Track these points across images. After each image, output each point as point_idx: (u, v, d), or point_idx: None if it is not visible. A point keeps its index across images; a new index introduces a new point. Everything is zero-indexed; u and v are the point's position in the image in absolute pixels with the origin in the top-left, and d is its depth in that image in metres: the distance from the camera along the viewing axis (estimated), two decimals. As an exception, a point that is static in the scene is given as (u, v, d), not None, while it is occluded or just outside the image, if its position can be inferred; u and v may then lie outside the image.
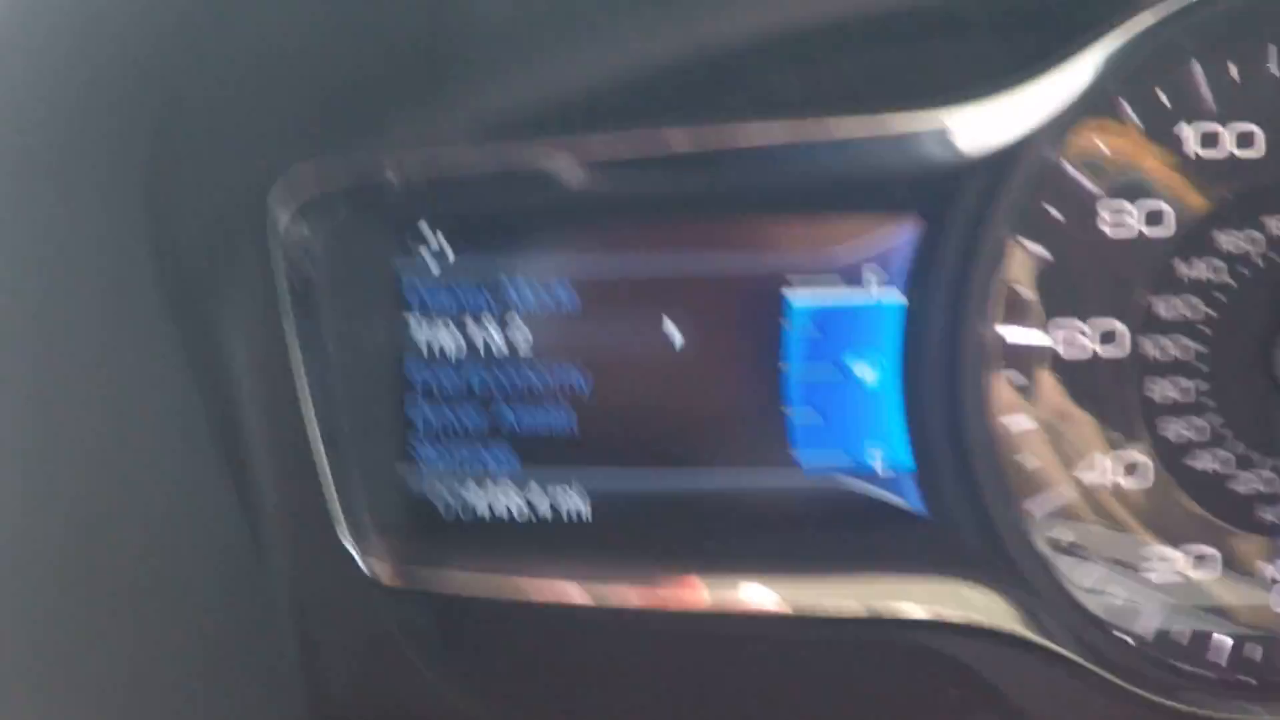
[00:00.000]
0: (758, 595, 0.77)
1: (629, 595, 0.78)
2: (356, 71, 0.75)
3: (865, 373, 0.76)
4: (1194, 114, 0.71)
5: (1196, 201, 0.72)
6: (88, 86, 0.63)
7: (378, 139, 0.76)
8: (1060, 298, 0.73)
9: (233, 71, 0.72)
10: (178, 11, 0.65)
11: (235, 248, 0.77)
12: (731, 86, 0.73)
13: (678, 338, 0.78)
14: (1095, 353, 0.73)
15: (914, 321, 0.75)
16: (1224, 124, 0.71)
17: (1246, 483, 0.73)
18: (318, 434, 0.77)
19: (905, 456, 0.77)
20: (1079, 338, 0.73)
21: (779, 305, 0.77)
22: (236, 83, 0.73)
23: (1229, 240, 0.72)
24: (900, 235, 0.75)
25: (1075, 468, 0.74)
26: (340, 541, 0.78)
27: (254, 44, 0.72)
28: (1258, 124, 0.71)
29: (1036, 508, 0.74)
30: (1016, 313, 0.73)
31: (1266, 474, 0.73)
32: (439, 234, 0.79)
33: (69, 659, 0.65)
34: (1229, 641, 0.74)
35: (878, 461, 0.77)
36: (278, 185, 0.75)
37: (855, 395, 0.77)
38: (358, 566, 0.79)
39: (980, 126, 0.71)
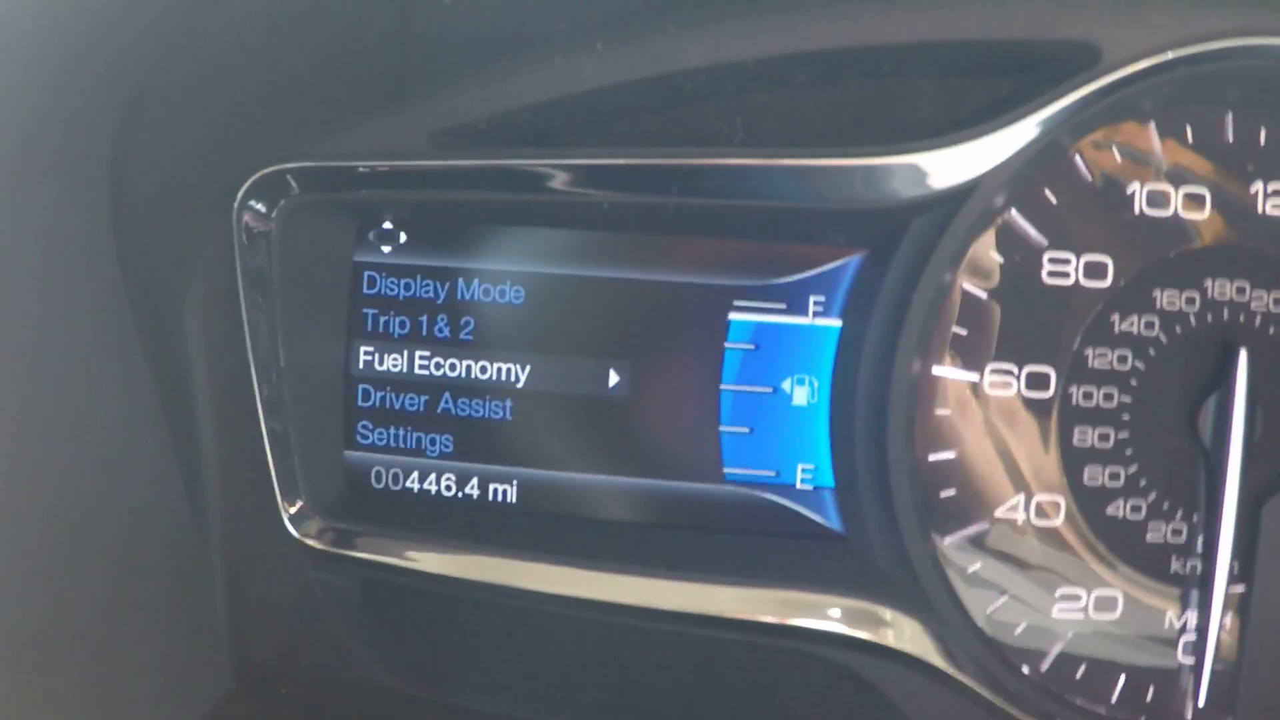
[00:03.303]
0: (668, 594, 0.78)
1: (547, 580, 0.79)
2: (324, 78, 0.75)
3: (798, 393, 0.78)
4: (1145, 173, 0.72)
5: (1137, 258, 0.73)
6: (55, 84, 0.62)
7: (342, 143, 0.76)
8: (994, 340, 0.74)
9: (200, 73, 0.72)
10: (148, 15, 0.65)
11: (197, 239, 0.77)
12: (688, 114, 0.73)
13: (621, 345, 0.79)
14: (1023, 395, 0.74)
15: (849, 348, 0.76)
16: (1174, 185, 0.72)
17: (1157, 532, 0.75)
18: (264, 411, 0.78)
19: (827, 475, 0.78)
20: (1009, 380, 0.74)
21: (723, 324, 0.77)
22: (204, 84, 0.73)
23: (1165, 298, 0.73)
24: (847, 266, 0.76)
25: (992, 503, 0.75)
26: (275, 508, 0.79)
27: (223, 46, 0.71)
28: (1206, 188, 0.72)
29: (950, 537, 0.75)
30: (950, 350, 0.74)
31: (1178, 525, 0.75)
32: (397, 228, 0.79)
33: (12, 611, 0.67)
34: (1122, 680, 0.77)
35: (799, 478, 0.78)
36: (245, 184, 0.76)
37: (786, 413, 0.78)
38: (289, 531, 0.80)
39: (933, 169, 0.71)
